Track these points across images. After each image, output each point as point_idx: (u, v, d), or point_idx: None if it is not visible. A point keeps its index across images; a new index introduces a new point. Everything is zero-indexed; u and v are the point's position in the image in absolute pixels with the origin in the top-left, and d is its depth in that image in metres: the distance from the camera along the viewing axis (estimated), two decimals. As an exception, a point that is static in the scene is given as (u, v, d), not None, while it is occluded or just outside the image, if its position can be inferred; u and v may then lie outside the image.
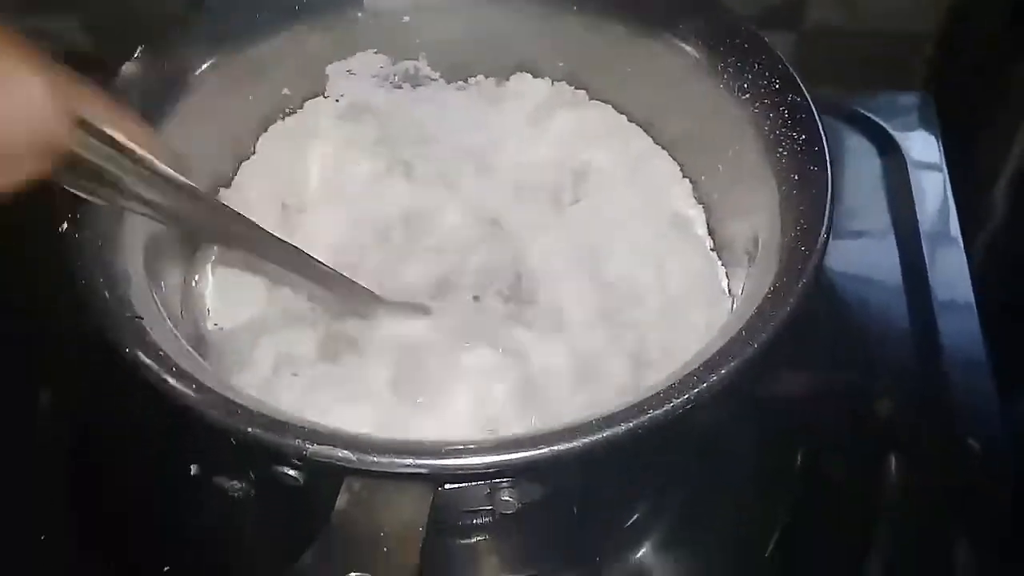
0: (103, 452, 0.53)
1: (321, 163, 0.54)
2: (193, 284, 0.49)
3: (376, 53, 0.55)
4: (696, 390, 0.36)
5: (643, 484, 0.53)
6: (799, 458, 0.53)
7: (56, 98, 0.30)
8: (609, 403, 0.36)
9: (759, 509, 0.51)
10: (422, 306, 0.48)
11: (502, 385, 0.44)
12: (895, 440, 0.54)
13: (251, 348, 0.47)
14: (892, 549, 0.50)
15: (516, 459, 0.35)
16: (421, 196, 0.53)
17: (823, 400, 0.56)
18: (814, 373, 0.57)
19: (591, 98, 0.56)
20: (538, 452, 0.35)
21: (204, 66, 0.48)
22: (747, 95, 0.47)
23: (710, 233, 0.52)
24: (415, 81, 0.56)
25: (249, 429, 0.35)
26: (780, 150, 0.44)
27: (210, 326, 0.49)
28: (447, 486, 0.38)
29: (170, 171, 0.36)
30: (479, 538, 0.49)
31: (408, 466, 0.35)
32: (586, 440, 0.35)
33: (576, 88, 0.56)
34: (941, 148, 0.67)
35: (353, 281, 0.46)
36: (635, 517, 0.52)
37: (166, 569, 0.49)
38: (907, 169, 0.65)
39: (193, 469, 0.51)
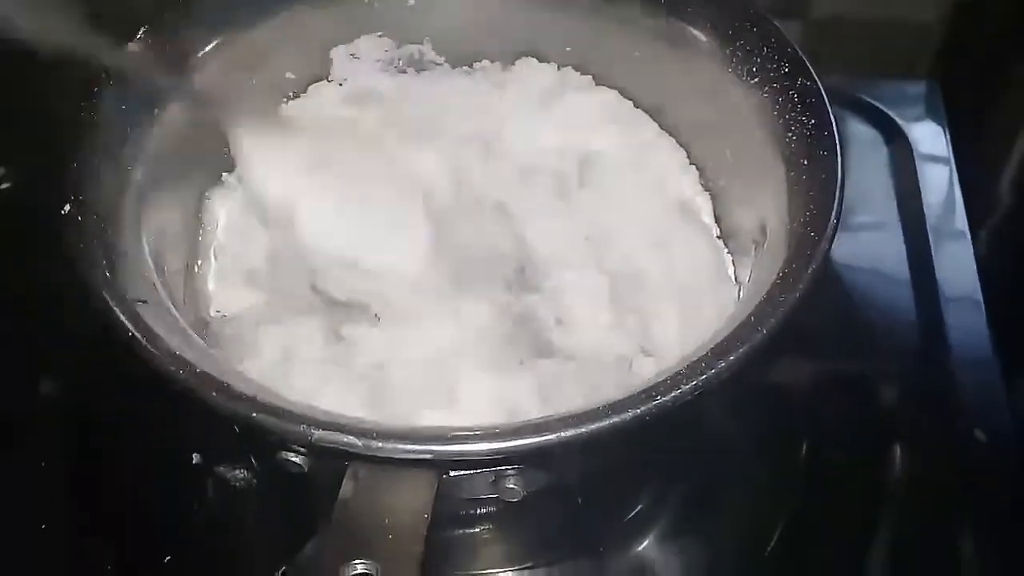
0: (104, 441, 0.53)
1: (324, 148, 0.53)
2: (195, 270, 0.49)
3: (381, 37, 0.54)
4: (705, 376, 0.36)
5: (647, 475, 0.52)
6: (804, 449, 0.53)
7: None
8: (615, 390, 0.36)
9: (763, 500, 0.51)
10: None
11: (508, 372, 0.44)
12: (900, 432, 0.54)
13: (254, 335, 0.46)
14: (897, 541, 0.49)
15: (522, 446, 0.35)
16: (426, 182, 0.53)
17: (828, 392, 0.56)
18: (819, 364, 0.57)
19: (598, 83, 0.55)
20: (544, 439, 0.34)
21: (206, 48, 0.48)
22: (756, 79, 0.46)
23: (717, 221, 0.52)
24: (420, 66, 0.56)
25: (254, 414, 0.34)
26: (789, 135, 0.44)
27: (212, 312, 0.48)
28: (452, 473, 0.38)
29: None
30: (483, 528, 0.49)
31: (413, 452, 0.34)
32: (593, 426, 0.34)
33: (583, 73, 0.56)
34: (948, 137, 0.67)
35: None
36: (639, 508, 0.51)
37: (167, 559, 0.48)
38: (914, 158, 0.65)
39: (195, 458, 0.51)
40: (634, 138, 0.54)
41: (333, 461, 0.36)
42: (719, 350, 0.36)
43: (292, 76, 0.53)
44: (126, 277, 0.39)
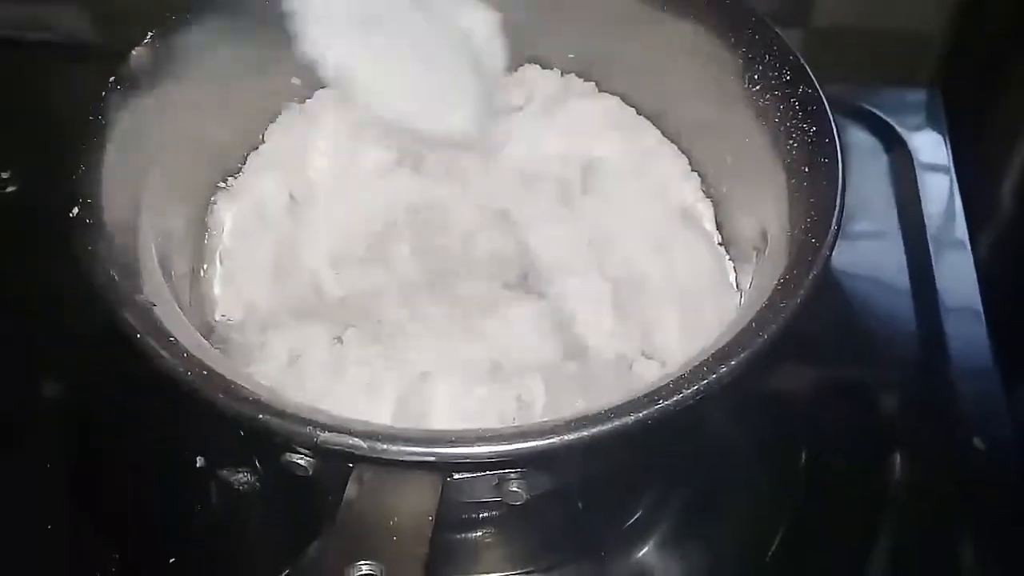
0: (105, 441, 0.53)
1: (330, 154, 0.54)
2: (201, 274, 0.49)
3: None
4: (706, 381, 0.36)
5: (648, 480, 0.52)
6: (803, 457, 0.53)
7: None
8: (618, 394, 0.36)
9: (763, 507, 0.51)
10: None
11: (514, 376, 0.44)
12: (899, 440, 0.54)
13: (261, 340, 0.46)
14: (896, 548, 0.49)
15: (526, 449, 0.35)
16: (430, 187, 0.53)
17: (828, 399, 0.56)
18: (819, 372, 0.57)
19: (600, 90, 0.56)
20: (547, 442, 0.35)
21: (214, 53, 0.48)
22: (758, 87, 0.47)
23: (718, 228, 0.52)
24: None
25: (261, 416, 0.35)
26: (791, 142, 0.44)
27: (217, 317, 0.49)
28: (456, 476, 0.38)
29: None
30: (486, 531, 0.49)
31: (418, 454, 0.34)
32: (595, 430, 0.35)
33: (585, 80, 0.56)
34: (949, 146, 0.67)
35: None
36: (640, 513, 0.51)
37: (171, 561, 0.48)
38: (914, 167, 0.65)
39: (199, 461, 0.51)
40: (636, 144, 0.54)
41: (338, 463, 0.37)
42: (721, 355, 0.37)
43: (298, 81, 0.53)
44: (134, 280, 0.39)
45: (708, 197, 0.53)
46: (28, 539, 0.49)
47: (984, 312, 0.58)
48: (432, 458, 0.35)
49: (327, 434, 0.34)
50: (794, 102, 0.45)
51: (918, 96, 0.70)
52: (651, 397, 0.35)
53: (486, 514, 0.48)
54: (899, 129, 0.67)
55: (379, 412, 0.43)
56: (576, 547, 0.50)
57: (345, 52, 0.47)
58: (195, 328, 0.42)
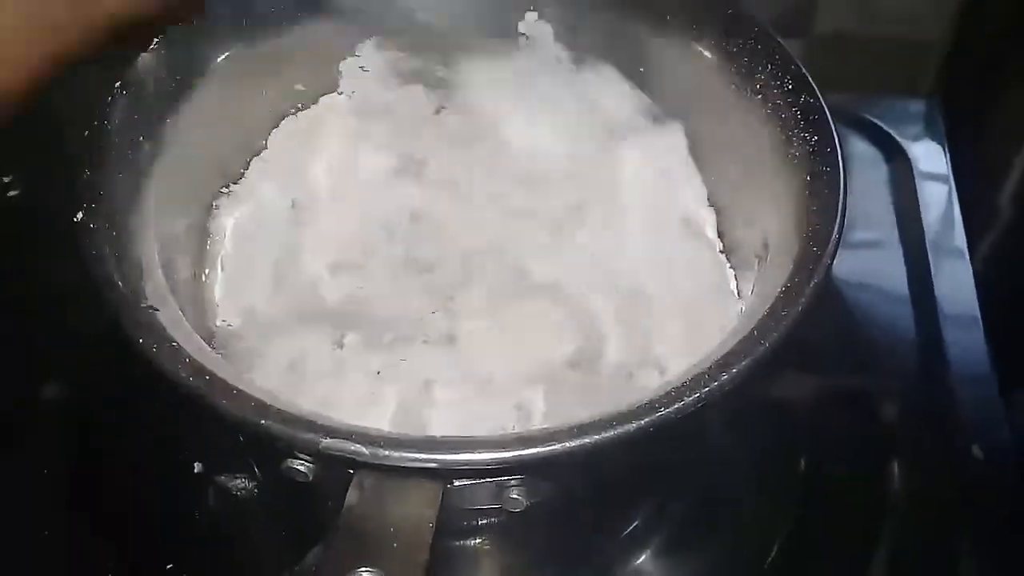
0: (106, 443, 0.53)
1: (332, 160, 0.54)
2: (203, 279, 0.49)
3: (391, 51, 0.55)
4: (708, 388, 0.36)
5: (648, 487, 0.52)
6: (802, 465, 0.53)
7: None
8: (620, 401, 0.36)
9: (763, 516, 0.51)
10: None
11: (514, 385, 0.44)
12: (899, 448, 0.54)
13: (262, 346, 0.47)
14: (896, 556, 0.49)
15: (527, 455, 0.35)
16: (432, 195, 0.53)
17: (828, 407, 0.56)
18: (819, 380, 0.57)
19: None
20: (548, 449, 0.35)
21: (219, 59, 0.48)
22: (760, 96, 0.47)
23: (719, 236, 0.52)
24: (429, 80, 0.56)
25: (263, 421, 0.35)
26: (792, 151, 0.44)
27: (218, 322, 0.49)
28: (457, 482, 0.38)
29: None
30: (485, 539, 0.49)
31: (419, 460, 0.35)
32: (597, 437, 0.35)
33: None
34: (948, 156, 0.67)
35: None
36: (639, 521, 0.51)
37: (169, 567, 0.48)
38: (914, 176, 0.65)
39: (197, 467, 0.51)
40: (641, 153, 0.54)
41: (339, 469, 0.37)
42: (722, 363, 0.37)
43: (302, 88, 0.54)
44: (138, 285, 0.39)
45: (710, 205, 0.53)
46: (28, 539, 0.49)
47: (982, 319, 0.58)
48: (434, 464, 0.35)
49: (330, 440, 0.34)
50: (796, 111, 0.45)
51: (918, 106, 0.70)
52: (652, 405, 0.35)
53: (486, 521, 0.48)
54: (899, 139, 0.68)
55: (379, 419, 0.43)
56: (575, 554, 0.50)
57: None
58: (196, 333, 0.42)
